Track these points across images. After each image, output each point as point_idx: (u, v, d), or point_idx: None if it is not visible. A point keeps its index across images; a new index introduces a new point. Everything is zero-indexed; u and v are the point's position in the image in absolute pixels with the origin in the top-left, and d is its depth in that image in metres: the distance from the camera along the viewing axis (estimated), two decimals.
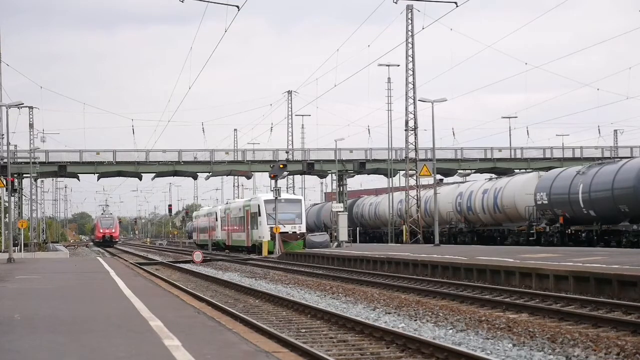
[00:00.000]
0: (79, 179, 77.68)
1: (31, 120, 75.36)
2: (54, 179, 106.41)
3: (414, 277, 27.86)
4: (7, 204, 50.96)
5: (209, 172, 73.39)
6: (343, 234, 53.39)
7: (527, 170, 64.14)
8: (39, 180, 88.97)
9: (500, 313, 17.44)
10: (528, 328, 14.40)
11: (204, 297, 21.53)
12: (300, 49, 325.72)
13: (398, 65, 59.12)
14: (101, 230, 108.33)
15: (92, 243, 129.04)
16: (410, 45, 54.53)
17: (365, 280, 27.63)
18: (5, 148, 55.02)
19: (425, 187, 59.65)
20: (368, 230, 73.92)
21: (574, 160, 69.25)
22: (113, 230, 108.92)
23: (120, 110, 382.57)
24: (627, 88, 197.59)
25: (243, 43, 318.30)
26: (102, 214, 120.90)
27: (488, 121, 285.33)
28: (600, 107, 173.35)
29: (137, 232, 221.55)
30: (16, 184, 60.45)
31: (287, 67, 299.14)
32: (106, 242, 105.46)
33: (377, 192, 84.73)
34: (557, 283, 21.18)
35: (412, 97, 55.15)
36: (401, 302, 19.63)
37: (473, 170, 73.23)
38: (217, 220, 73.65)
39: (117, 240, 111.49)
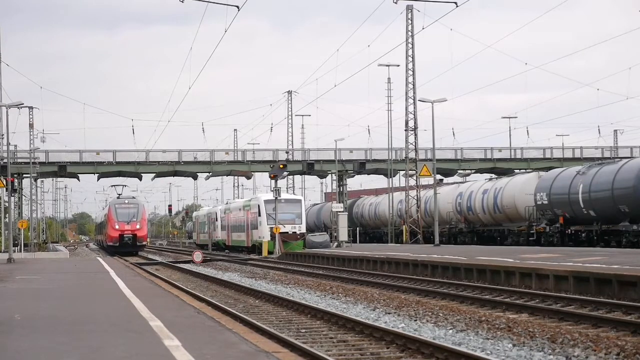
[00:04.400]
0: (79, 179, 77.73)
1: (31, 120, 75.43)
2: (54, 179, 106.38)
3: (414, 277, 27.85)
4: (7, 204, 50.99)
5: (209, 172, 73.42)
6: (343, 234, 53.38)
7: (527, 170, 64.09)
8: (39, 180, 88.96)
9: (500, 313, 17.44)
10: (528, 328, 14.39)
11: (204, 297, 21.54)
12: (300, 49, 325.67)
13: (398, 66, 59.16)
14: (117, 227, 62.57)
15: (95, 245, 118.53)
16: (410, 46, 54.55)
17: (365, 281, 27.63)
18: (5, 148, 55.03)
19: (425, 187, 59.64)
20: (368, 230, 73.89)
21: (574, 160, 69.25)
22: (137, 226, 63.06)
23: (120, 110, 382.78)
24: (627, 88, 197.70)
25: (243, 43, 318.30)
26: (119, 197, 67.42)
27: (488, 121, 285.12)
28: (600, 107, 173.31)
29: None
30: (16, 184, 60.45)
31: (287, 67, 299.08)
32: (125, 246, 62.28)
33: (377, 192, 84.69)
34: (557, 283, 21.18)
35: (412, 97, 55.17)
36: (401, 302, 19.62)
37: (473, 171, 73.21)
38: (217, 220, 73.62)
39: (144, 242, 66.32)
